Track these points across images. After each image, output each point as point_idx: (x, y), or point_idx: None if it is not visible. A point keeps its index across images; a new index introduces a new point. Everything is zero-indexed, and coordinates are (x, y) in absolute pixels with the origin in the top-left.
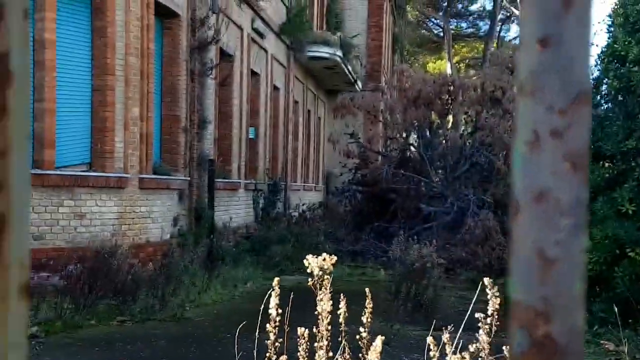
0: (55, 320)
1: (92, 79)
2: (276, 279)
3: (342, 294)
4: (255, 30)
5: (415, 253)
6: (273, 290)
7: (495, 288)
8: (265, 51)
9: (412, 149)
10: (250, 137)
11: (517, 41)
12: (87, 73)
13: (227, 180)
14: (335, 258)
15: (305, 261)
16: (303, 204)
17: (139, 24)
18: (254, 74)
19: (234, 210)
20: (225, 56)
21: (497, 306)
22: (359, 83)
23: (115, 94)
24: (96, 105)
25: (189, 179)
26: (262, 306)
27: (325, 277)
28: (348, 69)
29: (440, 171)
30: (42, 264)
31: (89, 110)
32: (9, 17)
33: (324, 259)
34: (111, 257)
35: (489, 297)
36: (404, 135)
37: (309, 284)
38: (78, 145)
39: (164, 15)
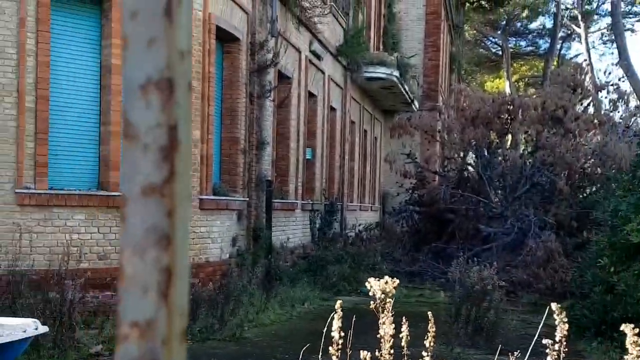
0: None
1: None
2: (339, 301)
3: (402, 317)
4: (312, 52)
5: (475, 275)
6: (335, 312)
7: (563, 314)
8: (323, 72)
9: (470, 169)
10: (307, 157)
11: (577, 59)
12: None
13: (284, 201)
14: (397, 281)
15: (367, 284)
16: (359, 224)
17: (201, 49)
18: (311, 95)
19: (291, 231)
20: (283, 78)
21: (564, 332)
22: (416, 103)
23: None
24: None
25: (247, 199)
26: (323, 328)
27: (387, 300)
28: (405, 89)
29: (499, 191)
30: (106, 283)
31: None
32: (177, 92)
33: (386, 282)
34: None
35: (556, 322)
36: (462, 155)
37: (371, 306)
38: None
39: (225, 39)
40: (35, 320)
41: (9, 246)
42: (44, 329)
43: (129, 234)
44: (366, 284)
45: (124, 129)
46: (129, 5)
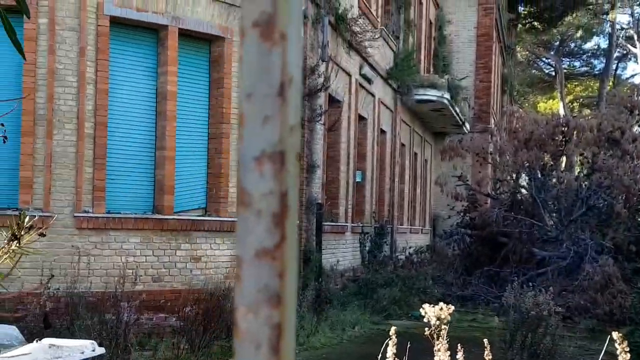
0: None
1: (209, 127)
2: (393, 327)
3: (454, 342)
4: (363, 75)
5: (531, 300)
6: (390, 339)
7: (625, 343)
8: (373, 95)
9: (524, 191)
10: (357, 180)
11: (634, 79)
12: (204, 122)
13: (334, 224)
14: (452, 308)
15: (421, 309)
16: (410, 247)
17: None
18: (361, 118)
19: (341, 253)
20: (333, 102)
21: None
22: (467, 125)
23: (230, 141)
24: (212, 152)
25: (297, 222)
26: (373, 352)
27: (442, 326)
28: (456, 111)
29: (554, 214)
30: (160, 305)
31: (205, 157)
32: (288, 162)
33: (441, 308)
34: (225, 299)
35: (617, 351)
36: (515, 177)
37: (425, 333)
38: (195, 191)
39: None
40: (93, 342)
41: (68, 269)
42: (101, 350)
43: (243, 293)
44: (420, 309)
45: (239, 197)
46: (245, 87)
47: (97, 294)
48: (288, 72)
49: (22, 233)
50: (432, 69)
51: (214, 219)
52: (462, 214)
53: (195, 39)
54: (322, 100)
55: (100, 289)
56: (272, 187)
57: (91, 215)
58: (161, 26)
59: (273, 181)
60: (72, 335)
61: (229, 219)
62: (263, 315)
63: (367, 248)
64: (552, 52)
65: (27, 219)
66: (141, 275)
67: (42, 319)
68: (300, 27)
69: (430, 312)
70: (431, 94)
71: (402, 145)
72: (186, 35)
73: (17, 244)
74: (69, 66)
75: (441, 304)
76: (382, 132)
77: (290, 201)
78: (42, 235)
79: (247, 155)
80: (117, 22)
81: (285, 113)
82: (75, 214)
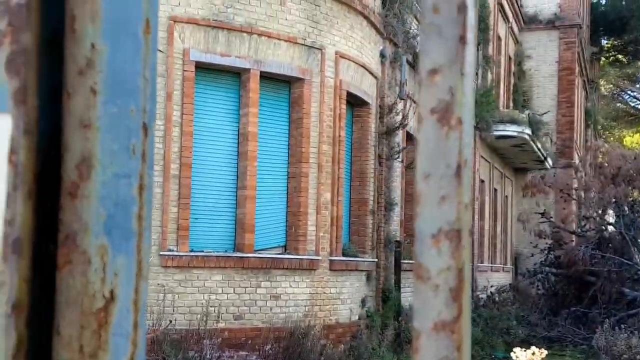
0: None
1: (289, 166)
2: None
3: None
4: None
5: (623, 342)
6: None
7: None
8: None
9: (611, 228)
10: None
11: None
12: (284, 161)
13: (413, 262)
14: (544, 352)
15: (512, 354)
16: (491, 286)
17: (332, 114)
18: None
19: None
20: (411, 139)
21: None
22: (549, 160)
23: (309, 180)
24: (291, 191)
25: (376, 260)
26: None
27: None
28: (537, 147)
29: None
30: (241, 343)
31: (285, 195)
32: (463, 239)
33: (534, 353)
34: (304, 337)
35: None
36: (601, 213)
37: None
38: (274, 229)
39: (355, 104)
40: None
41: (153, 306)
42: None
43: None
44: (509, 352)
45: (416, 271)
46: (422, 168)
47: (181, 331)
48: (464, 154)
49: None
50: (511, 105)
51: (293, 256)
52: (546, 252)
53: (276, 81)
54: (399, 137)
55: (184, 326)
56: (450, 263)
57: (176, 253)
58: (243, 69)
59: (450, 257)
60: None
61: (308, 257)
62: None
63: None
64: (637, 85)
65: None
66: (223, 313)
67: None
68: (473, 111)
69: (522, 356)
70: (511, 130)
71: (482, 181)
72: (267, 77)
73: None
74: (156, 110)
75: (533, 347)
76: None
77: (465, 276)
78: None
79: (425, 232)
80: (202, 67)
81: (461, 193)
82: (161, 253)
